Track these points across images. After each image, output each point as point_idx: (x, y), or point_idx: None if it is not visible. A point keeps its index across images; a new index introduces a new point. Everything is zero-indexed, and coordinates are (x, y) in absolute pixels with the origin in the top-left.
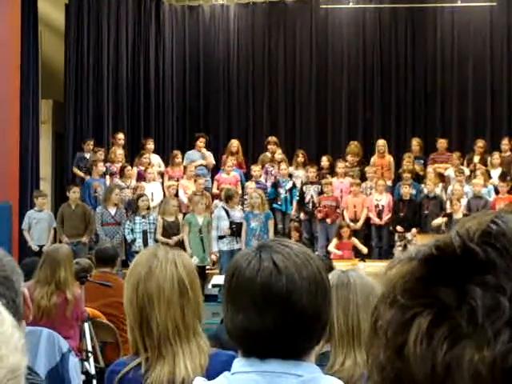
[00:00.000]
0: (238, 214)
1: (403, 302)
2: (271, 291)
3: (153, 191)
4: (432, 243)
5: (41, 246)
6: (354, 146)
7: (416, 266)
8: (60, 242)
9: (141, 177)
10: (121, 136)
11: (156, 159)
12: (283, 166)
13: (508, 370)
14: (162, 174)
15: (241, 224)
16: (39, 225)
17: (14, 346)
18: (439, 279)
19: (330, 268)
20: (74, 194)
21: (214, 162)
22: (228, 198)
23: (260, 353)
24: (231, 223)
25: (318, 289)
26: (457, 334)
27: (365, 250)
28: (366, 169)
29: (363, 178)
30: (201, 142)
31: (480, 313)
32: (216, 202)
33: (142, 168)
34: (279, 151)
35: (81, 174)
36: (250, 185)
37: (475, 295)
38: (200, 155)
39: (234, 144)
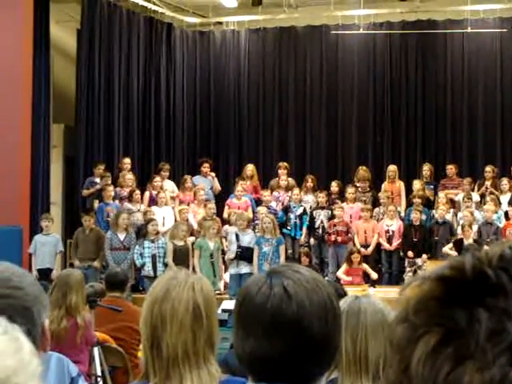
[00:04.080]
0: (247, 238)
1: (414, 320)
2: (281, 317)
3: (164, 216)
4: (447, 264)
5: (44, 270)
6: (363, 170)
7: (429, 286)
8: (71, 265)
9: (154, 201)
10: (127, 161)
11: (170, 184)
12: (296, 191)
13: None
14: (174, 199)
15: (248, 248)
16: (44, 248)
17: (32, 373)
18: (452, 300)
19: (344, 294)
20: (86, 222)
21: (219, 187)
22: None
23: (270, 378)
24: (238, 247)
25: (328, 315)
26: (462, 354)
27: (375, 275)
28: (380, 194)
29: (375, 203)
30: (205, 168)
31: (482, 335)
32: (226, 226)
33: (155, 192)
34: (284, 177)
35: (90, 191)
36: (262, 210)
37: (481, 318)
38: (206, 180)
39: (250, 168)
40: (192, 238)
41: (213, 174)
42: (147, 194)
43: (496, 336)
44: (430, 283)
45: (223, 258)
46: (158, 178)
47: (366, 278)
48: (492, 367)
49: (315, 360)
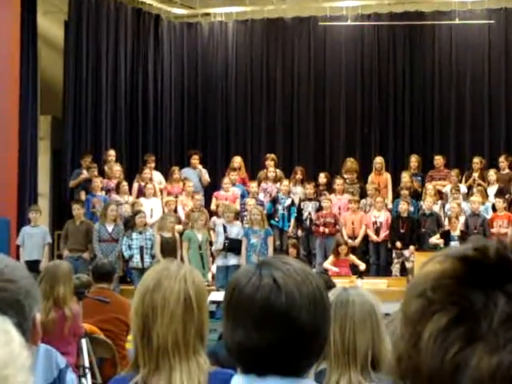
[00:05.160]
0: (234, 229)
1: (431, 296)
2: (271, 308)
3: (152, 207)
4: (471, 245)
5: (32, 261)
6: (350, 162)
7: (451, 265)
8: (59, 256)
9: (142, 192)
10: (111, 152)
11: (157, 176)
12: (285, 182)
13: (510, 379)
14: (162, 191)
15: (236, 240)
16: (32, 240)
17: (21, 365)
18: (471, 280)
19: (332, 285)
20: (76, 211)
21: (208, 180)
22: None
23: (259, 370)
24: (225, 239)
25: (317, 306)
26: (474, 335)
27: (363, 265)
28: (366, 186)
29: (363, 194)
30: (194, 159)
31: (496, 319)
32: (213, 218)
33: (143, 184)
34: (271, 169)
35: (76, 181)
36: (250, 201)
37: (498, 301)
38: (195, 172)
39: (237, 160)
40: (179, 227)
41: (200, 167)
42: (136, 185)
43: (510, 321)
44: (452, 261)
45: (211, 250)
46: (147, 170)
47: (354, 269)
48: (502, 351)
49: (304, 351)
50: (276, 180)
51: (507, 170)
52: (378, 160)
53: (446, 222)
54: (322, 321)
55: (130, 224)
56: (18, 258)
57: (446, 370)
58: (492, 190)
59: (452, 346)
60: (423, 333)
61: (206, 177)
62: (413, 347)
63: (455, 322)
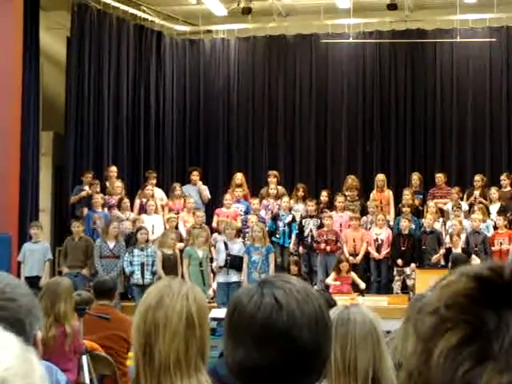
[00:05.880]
0: (236, 246)
1: (444, 313)
2: (272, 327)
3: (154, 223)
4: (487, 265)
5: (32, 277)
6: (351, 179)
7: (465, 283)
8: (59, 273)
9: (143, 209)
10: (113, 168)
11: (159, 192)
12: (285, 199)
13: None
14: (163, 207)
15: (237, 257)
16: (33, 256)
17: None
18: (484, 300)
19: (333, 304)
20: (75, 228)
21: (209, 196)
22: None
23: None
24: (227, 255)
25: (318, 325)
26: (485, 354)
27: (363, 285)
28: (368, 203)
29: (364, 212)
30: (194, 176)
31: (508, 339)
32: (215, 235)
33: (145, 200)
34: (273, 186)
35: (77, 197)
36: (251, 218)
37: (509, 322)
38: (195, 189)
39: (238, 176)
40: (180, 245)
41: (200, 183)
42: (137, 201)
43: None
44: (467, 280)
45: (211, 267)
46: (149, 187)
47: (355, 286)
48: (510, 372)
49: (305, 370)
50: (277, 197)
51: (509, 188)
52: (380, 177)
53: (447, 240)
54: (323, 339)
55: (131, 240)
56: (18, 274)
57: None
58: (494, 207)
59: (462, 365)
60: (434, 350)
61: (206, 193)
62: (424, 364)
63: (467, 340)
